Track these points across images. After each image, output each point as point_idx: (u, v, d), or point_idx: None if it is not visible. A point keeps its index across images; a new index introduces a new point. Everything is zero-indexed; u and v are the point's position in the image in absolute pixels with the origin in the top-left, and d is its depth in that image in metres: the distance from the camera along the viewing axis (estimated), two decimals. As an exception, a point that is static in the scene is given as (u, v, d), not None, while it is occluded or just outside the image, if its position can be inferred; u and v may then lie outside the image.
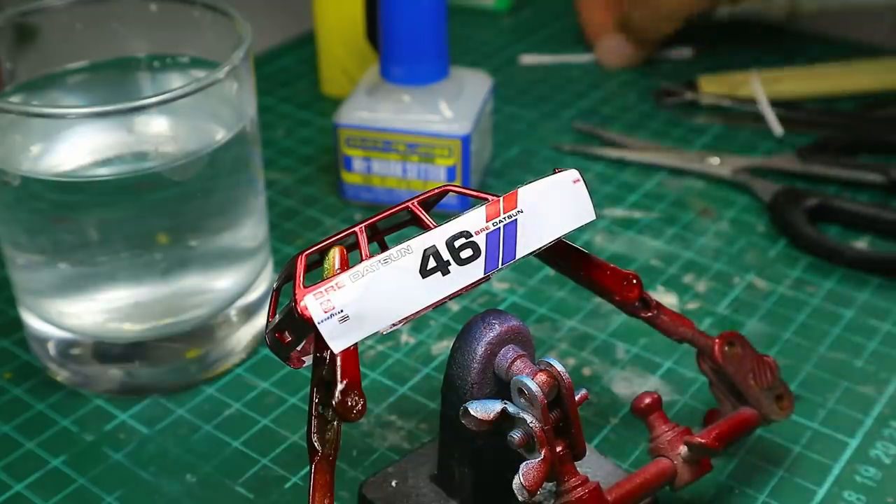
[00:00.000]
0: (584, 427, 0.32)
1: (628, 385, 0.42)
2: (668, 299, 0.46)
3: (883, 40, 0.69)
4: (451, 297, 0.29)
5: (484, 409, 0.30)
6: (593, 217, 0.31)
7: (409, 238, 0.29)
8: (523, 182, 0.30)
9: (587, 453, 0.32)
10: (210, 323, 0.42)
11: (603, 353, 0.43)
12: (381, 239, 0.32)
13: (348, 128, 0.52)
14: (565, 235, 0.31)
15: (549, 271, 0.47)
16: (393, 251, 0.28)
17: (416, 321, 0.45)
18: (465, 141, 0.51)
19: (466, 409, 0.30)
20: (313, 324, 0.27)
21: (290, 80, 0.67)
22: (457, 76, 0.53)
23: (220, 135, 0.40)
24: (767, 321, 0.45)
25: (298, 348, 0.29)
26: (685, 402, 0.41)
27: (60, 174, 0.40)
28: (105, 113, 0.36)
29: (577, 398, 0.31)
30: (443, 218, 0.30)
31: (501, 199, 0.30)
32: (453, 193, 0.32)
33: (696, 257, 0.49)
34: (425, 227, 0.30)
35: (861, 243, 0.50)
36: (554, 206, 0.30)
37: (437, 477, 0.35)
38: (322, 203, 0.54)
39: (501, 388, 0.32)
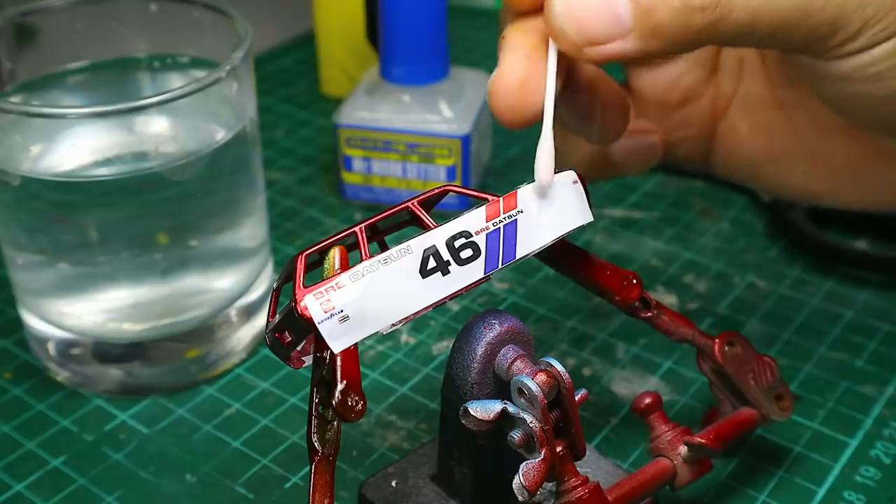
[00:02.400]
0: (584, 427, 0.32)
1: (628, 385, 0.42)
2: (668, 299, 0.46)
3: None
4: (451, 297, 0.29)
5: (484, 409, 0.30)
6: (591, 219, 0.31)
7: (409, 238, 0.29)
8: (523, 182, 0.30)
9: (587, 453, 0.32)
10: (210, 323, 0.42)
11: (603, 353, 0.43)
12: (381, 239, 0.32)
13: (348, 128, 0.52)
14: (565, 235, 0.31)
15: (549, 271, 0.47)
16: (393, 251, 0.28)
17: (416, 321, 0.45)
18: (465, 141, 0.51)
19: (466, 409, 0.30)
20: (313, 324, 0.27)
21: (290, 80, 0.67)
22: (457, 76, 0.53)
23: (220, 135, 0.40)
24: (767, 321, 0.45)
25: (298, 348, 0.29)
26: (685, 402, 0.41)
27: (60, 174, 0.40)
28: (105, 113, 0.36)
29: (577, 398, 0.31)
30: (443, 218, 0.30)
31: (501, 199, 0.30)
32: (453, 193, 0.32)
33: (696, 257, 0.49)
34: (425, 227, 0.30)
35: (861, 243, 0.50)
36: (553, 206, 0.30)
37: (437, 477, 0.35)
38: (322, 203, 0.54)
39: (501, 388, 0.32)
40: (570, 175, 0.31)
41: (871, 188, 0.36)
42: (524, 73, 0.30)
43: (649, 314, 0.34)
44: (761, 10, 0.28)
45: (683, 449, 0.34)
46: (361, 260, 0.28)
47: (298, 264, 0.29)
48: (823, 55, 0.30)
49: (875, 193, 0.36)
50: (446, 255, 0.29)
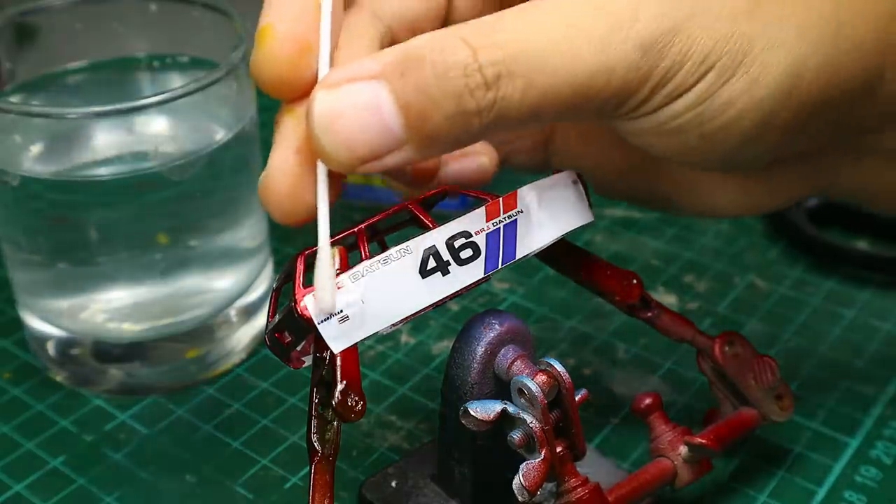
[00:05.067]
0: (584, 427, 0.31)
1: (628, 385, 0.42)
2: (668, 299, 0.46)
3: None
4: (451, 297, 0.29)
5: (484, 409, 0.30)
6: (591, 219, 0.31)
7: (409, 238, 0.29)
8: (523, 182, 0.30)
9: (587, 453, 0.32)
10: (210, 323, 0.42)
11: (603, 353, 0.43)
12: (381, 239, 0.32)
13: (348, 128, 0.52)
14: (565, 235, 0.31)
15: (549, 271, 0.47)
16: (393, 251, 0.28)
17: (416, 321, 0.45)
18: (465, 141, 0.51)
19: (466, 409, 0.30)
20: (313, 324, 0.27)
21: (290, 79, 0.67)
22: (457, 76, 0.53)
23: (220, 135, 0.40)
24: (767, 321, 0.45)
25: (298, 348, 0.29)
26: (685, 402, 0.41)
27: (60, 174, 0.40)
28: (105, 113, 0.36)
29: (577, 398, 0.31)
30: (443, 218, 0.30)
31: (501, 199, 0.30)
32: (453, 193, 0.32)
33: (696, 257, 0.49)
34: (425, 227, 0.30)
35: (861, 243, 0.50)
36: (553, 206, 0.30)
37: (437, 477, 0.35)
38: (322, 203, 0.54)
39: (501, 388, 0.32)
40: (570, 175, 0.31)
41: (709, 199, 0.34)
42: (294, 175, 0.28)
43: (649, 314, 0.34)
44: (542, 102, 0.26)
45: (684, 449, 0.34)
46: (361, 260, 0.28)
47: (298, 264, 0.29)
48: (617, 119, 0.29)
49: (713, 203, 0.34)
50: (446, 255, 0.29)
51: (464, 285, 0.29)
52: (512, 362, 0.31)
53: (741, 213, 0.35)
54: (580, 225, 0.31)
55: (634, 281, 0.34)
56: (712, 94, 0.28)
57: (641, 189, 0.36)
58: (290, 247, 0.50)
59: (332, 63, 0.28)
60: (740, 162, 0.30)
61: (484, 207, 0.30)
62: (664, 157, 0.31)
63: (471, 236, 0.29)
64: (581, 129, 0.36)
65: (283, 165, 0.28)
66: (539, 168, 0.37)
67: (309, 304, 0.27)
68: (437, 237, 0.29)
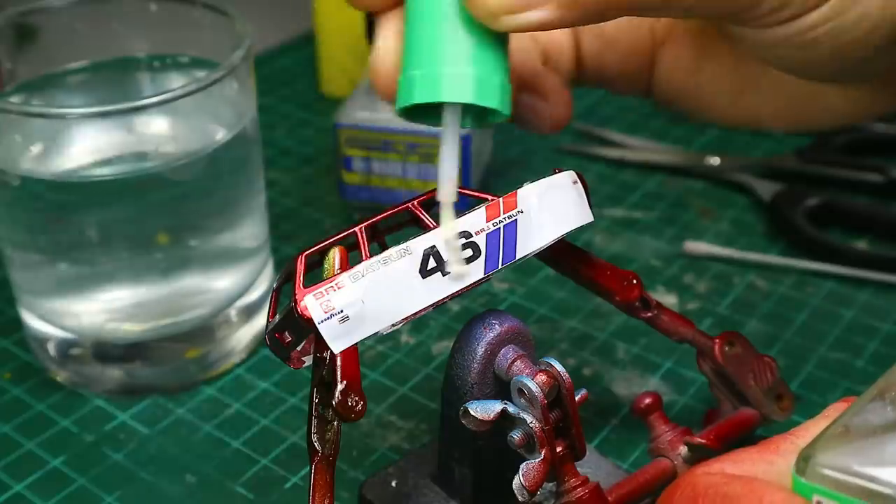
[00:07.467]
0: (584, 427, 0.31)
1: (628, 385, 0.42)
2: (668, 299, 0.46)
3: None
4: (451, 297, 0.29)
5: (484, 410, 0.30)
6: (591, 219, 0.31)
7: (409, 238, 0.29)
8: (523, 182, 0.30)
9: (587, 453, 0.32)
10: (210, 323, 0.42)
11: (603, 353, 0.43)
12: (381, 239, 0.32)
13: (348, 128, 0.52)
14: (565, 236, 0.31)
15: (549, 271, 0.47)
16: (393, 251, 0.28)
17: (416, 321, 0.45)
18: (466, 141, 0.51)
19: (466, 409, 0.30)
20: (313, 324, 0.27)
21: (290, 80, 0.67)
22: (457, 76, 0.53)
23: (220, 135, 0.40)
24: (767, 321, 0.45)
25: (298, 348, 0.30)
26: (685, 402, 0.41)
27: (60, 174, 0.40)
28: (105, 113, 0.36)
29: (577, 398, 0.31)
30: (443, 218, 0.30)
31: (501, 199, 0.30)
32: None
33: (696, 257, 0.49)
34: (425, 227, 0.30)
35: (861, 243, 0.50)
36: (553, 206, 0.30)
37: (437, 477, 0.35)
38: (322, 203, 0.54)
39: (501, 388, 0.32)
40: (570, 175, 0.31)
41: (820, 111, 0.35)
42: (400, 53, 0.29)
43: (649, 314, 0.34)
44: None
45: (684, 449, 0.34)
46: (361, 260, 0.28)
47: (298, 264, 0.29)
48: (750, 24, 0.29)
49: (823, 115, 0.35)
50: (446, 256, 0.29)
51: (464, 285, 0.29)
52: (512, 362, 0.31)
53: (849, 122, 0.36)
54: (580, 225, 0.31)
55: (634, 281, 0.34)
56: (848, 9, 0.28)
57: (751, 109, 0.36)
58: (290, 247, 0.51)
59: None
60: (862, 74, 0.30)
61: (484, 207, 0.30)
62: (787, 71, 0.31)
63: (471, 236, 0.29)
64: (697, 46, 0.36)
65: (390, 44, 0.29)
66: (641, 96, 0.38)
67: (309, 303, 0.27)
68: (437, 237, 0.29)
